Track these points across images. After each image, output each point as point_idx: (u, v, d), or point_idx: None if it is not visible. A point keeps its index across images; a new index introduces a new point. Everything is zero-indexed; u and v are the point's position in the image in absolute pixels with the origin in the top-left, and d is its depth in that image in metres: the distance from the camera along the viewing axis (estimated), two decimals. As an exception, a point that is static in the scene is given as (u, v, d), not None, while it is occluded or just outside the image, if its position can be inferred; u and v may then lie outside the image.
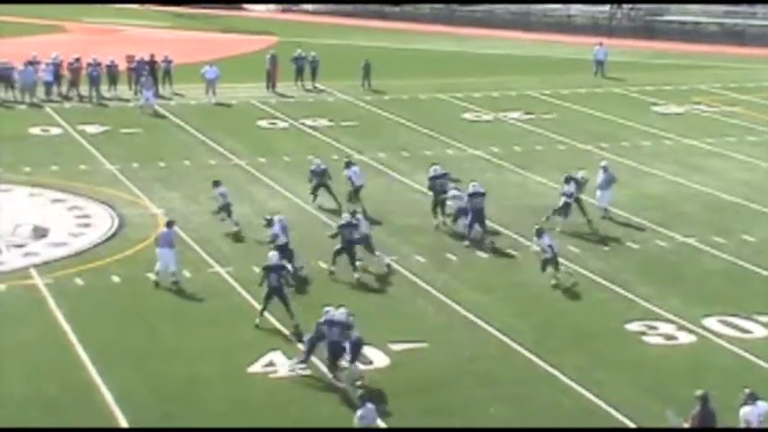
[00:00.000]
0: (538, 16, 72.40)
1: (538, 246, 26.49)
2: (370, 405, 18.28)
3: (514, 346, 22.74)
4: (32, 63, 46.33)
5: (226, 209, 29.36)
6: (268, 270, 23.40)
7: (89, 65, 46.42)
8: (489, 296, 25.48)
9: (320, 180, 31.58)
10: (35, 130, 40.89)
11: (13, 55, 47.42)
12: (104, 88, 46.55)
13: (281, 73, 49.38)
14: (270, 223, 26.54)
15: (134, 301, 24.85)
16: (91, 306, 24.51)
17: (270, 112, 45.07)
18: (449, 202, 30.17)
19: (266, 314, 23.33)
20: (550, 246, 26.01)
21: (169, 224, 26.45)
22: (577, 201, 30.43)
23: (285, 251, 25.41)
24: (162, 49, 50.09)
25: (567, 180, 30.45)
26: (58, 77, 46.49)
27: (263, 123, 43.32)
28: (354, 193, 31.32)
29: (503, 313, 24.44)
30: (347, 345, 20.88)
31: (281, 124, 43.16)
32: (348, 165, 31.88)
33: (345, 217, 27.17)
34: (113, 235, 29.03)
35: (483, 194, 29.10)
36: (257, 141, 40.04)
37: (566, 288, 26.01)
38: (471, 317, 24.19)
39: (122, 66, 47.45)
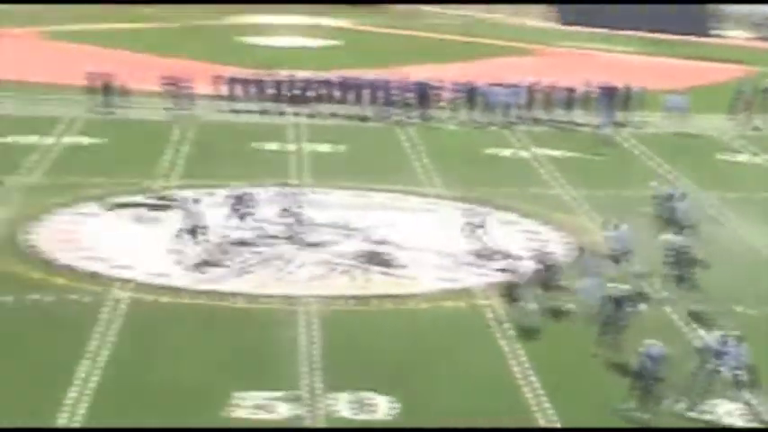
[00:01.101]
0: None
1: None
2: None
3: None
4: (500, 84, 47.66)
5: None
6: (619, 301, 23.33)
7: (558, 89, 47.09)
8: None
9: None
10: (498, 151, 41.91)
11: (483, 75, 49.16)
12: (570, 113, 46.84)
13: (753, 105, 47.35)
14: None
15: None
16: (543, 329, 25.06)
17: (734, 146, 43.39)
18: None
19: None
20: None
21: (581, 250, 26.33)
22: None
23: None
24: (627, 74, 49.78)
25: None
26: (525, 100, 47.39)
27: (725, 156, 41.82)
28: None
29: None
30: None
31: (747, 158, 41.41)
32: (675, 197, 30.50)
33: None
34: (568, 262, 28.94)
35: None
36: (716, 175, 38.65)
37: None
38: None
39: (587, 91, 47.62)
